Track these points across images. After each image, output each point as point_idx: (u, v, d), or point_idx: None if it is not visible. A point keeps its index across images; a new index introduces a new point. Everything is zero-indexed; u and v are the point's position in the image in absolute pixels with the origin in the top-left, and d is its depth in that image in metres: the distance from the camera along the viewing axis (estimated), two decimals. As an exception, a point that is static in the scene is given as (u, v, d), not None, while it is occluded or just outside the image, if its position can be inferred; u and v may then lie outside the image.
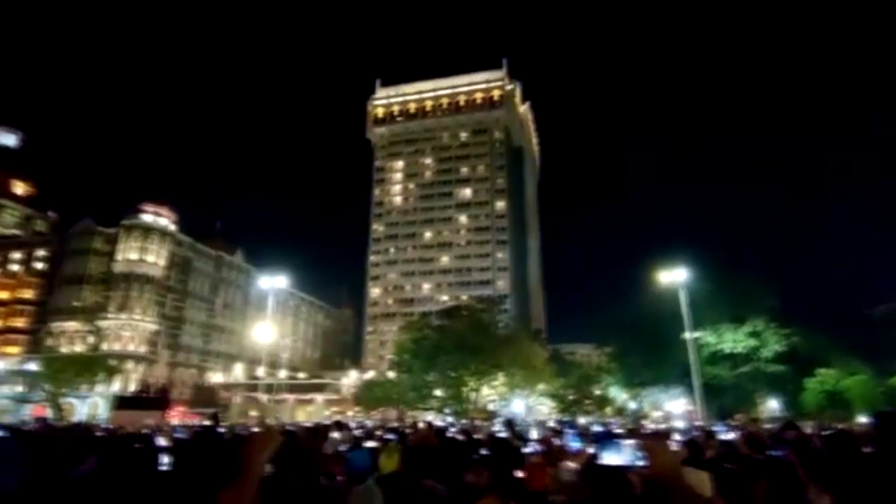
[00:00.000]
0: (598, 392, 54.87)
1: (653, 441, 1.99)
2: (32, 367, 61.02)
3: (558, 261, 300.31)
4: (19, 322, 74.24)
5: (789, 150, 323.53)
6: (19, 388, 65.82)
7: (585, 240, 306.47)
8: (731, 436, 11.92)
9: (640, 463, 2.05)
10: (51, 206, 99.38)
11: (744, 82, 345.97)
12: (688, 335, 31.58)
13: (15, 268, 77.31)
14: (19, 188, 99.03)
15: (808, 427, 16.14)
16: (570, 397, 55.95)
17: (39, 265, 76.96)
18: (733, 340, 38.36)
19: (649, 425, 25.87)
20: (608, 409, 51.99)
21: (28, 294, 75.42)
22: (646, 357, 42.48)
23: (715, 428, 20.64)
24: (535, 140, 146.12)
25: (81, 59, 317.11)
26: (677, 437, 12.92)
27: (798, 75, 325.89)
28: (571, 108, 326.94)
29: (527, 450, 4.51)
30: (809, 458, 4.60)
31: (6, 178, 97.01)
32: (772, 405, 42.01)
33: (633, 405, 51.52)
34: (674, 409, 46.95)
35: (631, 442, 2.11)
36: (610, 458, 2.17)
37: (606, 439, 2.28)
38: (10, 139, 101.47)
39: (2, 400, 67.36)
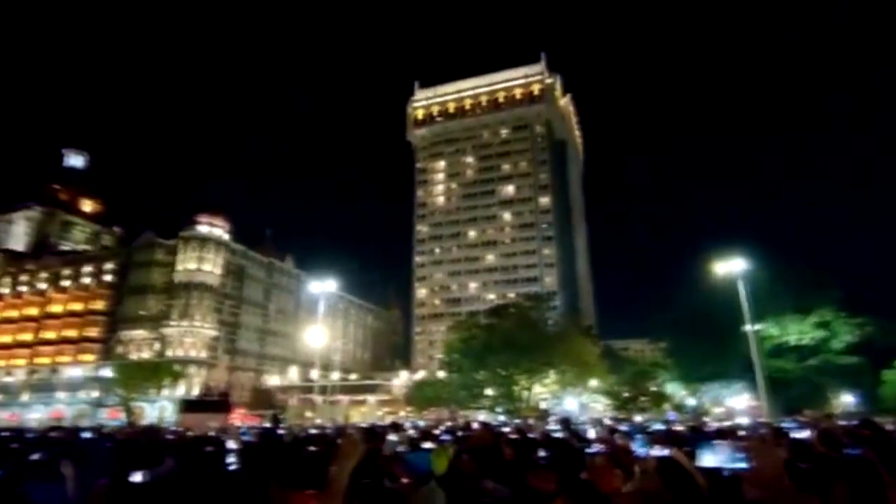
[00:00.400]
0: (653, 388, 53.31)
1: (756, 441, 1.92)
2: (106, 373, 65.05)
3: (607, 255, 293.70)
4: (93, 332, 79.20)
5: (835, 146, 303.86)
6: (95, 394, 70.26)
7: (634, 232, 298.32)
8: (804, 434, 11.22)
9: (740, 465, 1.98)
10: (116, 221, 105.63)
11: (792, 73, 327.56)
12: (749, 327, 30.20)
13: (87, 281, 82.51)
14: (88, 206, 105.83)
15: (888, 423, 15.11)
16: (625, 394, 54.60)
17: (108, 277, 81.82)
18: (799, 332, 36.45)
19: (712, 423, 24.88)
20: (666, 406, 50.37)
21: (99, 305, 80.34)
22: (704, 351, 40.94)
23: (783, 424, 19.60)
24: (577, 133, 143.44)
25: (132, 77, 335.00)
26: (742, 435, 12.39)
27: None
28: (615, 98, 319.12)
29: (589, 450, 4.43)
30: (890, 457, 4.32)
31: (77, 198, 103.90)
32: (845, 400, 39.57)
33: (691, 401, 49.76)
34: (736, 404, 45.01)
35: (726, 442, 2.04)
36: (707, 459, 2.09)
37: (702, 440, 2.21)
38: (79, 161, 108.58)
39: (81, 405, 72.15)
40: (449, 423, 28.15)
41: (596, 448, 4.49)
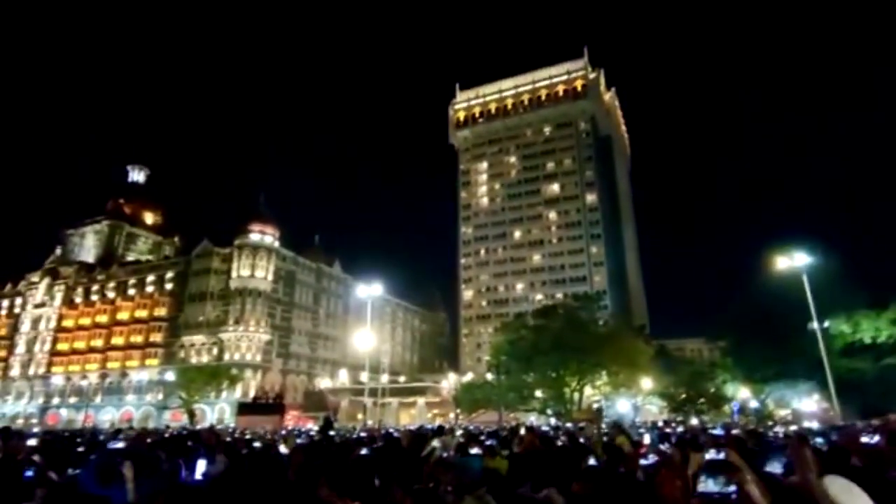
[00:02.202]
0: (712, 390, 51.02)
1: (797, 445, 1.64)
2: (169, 376, 68.26)
3: (658, 252, 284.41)
4: (157, 337, 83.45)
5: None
6: (160, 396, 73.89)
7: (687, 228, 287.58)
8: (875, 439, 10.27)
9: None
10: (174, 231, 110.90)
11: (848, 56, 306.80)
12: (815, 325, 28.38)
13: (150, 289, 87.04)
14: (149, 218, 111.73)
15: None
16: (682, 396, 52.52)
17: (169, 286, 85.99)
18: (875, 329, 33.93)
19: (778, 428, 23.46)
20: (726, 409, 48.07)
21: (162, 312, 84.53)
22: (767, 350, 38.83)
23: (839, 423, 18.20)
24: (623, 128, 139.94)
25: (181, 88, 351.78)
26: (819, 440, 11.51)
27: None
28: (661, 88, 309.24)
29: (644, 462, 4.14)
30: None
31: (139, 210, 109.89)
32: None
33: (754, 404, 47.30)
34: (804, 406, 42.48)
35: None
36: (774, 466, 1.80)
37: (769, 448, 1.88)
38: (140, 175, 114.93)
39: (147, 406, 76.10)
40: (494, 426, 27.82)
41: (654, 458, 4.20)
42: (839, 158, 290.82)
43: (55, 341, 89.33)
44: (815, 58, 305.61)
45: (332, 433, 18.59)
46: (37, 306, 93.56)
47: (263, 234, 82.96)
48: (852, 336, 34.75)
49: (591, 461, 6.09)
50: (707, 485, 2.15)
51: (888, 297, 33.50)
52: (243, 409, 58.12)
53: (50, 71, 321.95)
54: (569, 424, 31.36)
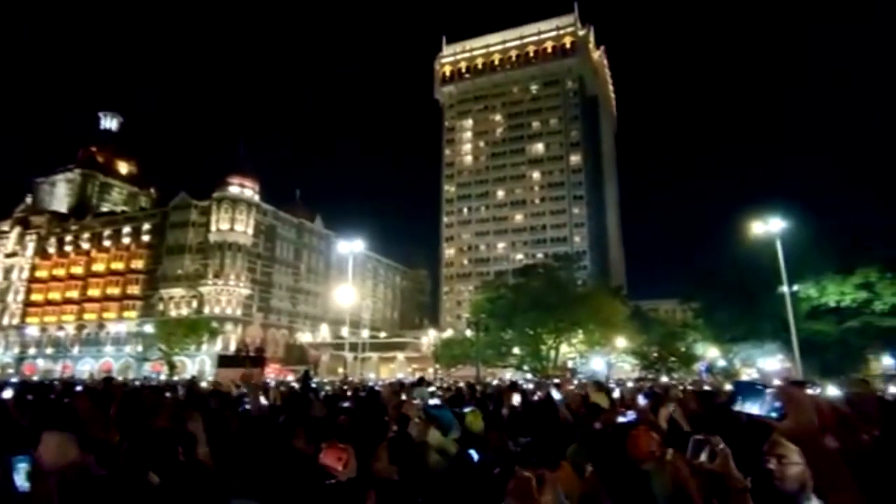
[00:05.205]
0: (683, 349, 52.85)
1: (793, 389, 1.68)
2: (148, 329, 68.00)
3: (638, 213, 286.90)
4: (134, 289, 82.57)
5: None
6: (139, 348, 73.82)
7: (668, 191, 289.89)
8: (817, 391, 11.02)
9: (774, 415, 1.73)
10: (150, 182, 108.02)
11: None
12: (784, 288, 29.28)
13: (126, 241, 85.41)
14: (124, 168, 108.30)
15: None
16: (654, 354, 54.33)
17: (146, 237, 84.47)
18: (839, 293, 35.09)
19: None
20: (695, 367, 49.95)
21: (139, 264, 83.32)
22: (736, 311, 40.08)
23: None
24: (610, 87, 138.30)
25: (159, 37, 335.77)
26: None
27: None
28: (650, 50, 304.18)
29: (622, 419, 4.30)
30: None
31: (113, 160, 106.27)
32: (887, 363, 38.26)
33: (722, 362, 49.20)
34: (768, 366, 44.31)
35: (770, 390, 1.77)
36: (749, 406, 1.81)
37: (747, 387, 1.89)
38: (113, 123, 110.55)
39: (126, 358, 76.07)
40: (472, 381, 28.50)
41: (631, 416, 4.35)
42: (825, 128, 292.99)
43: (29, 291, 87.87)
44: (816, 19, 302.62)
45: (312, 386, 18.85)
46: (8, 256, 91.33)
47: (243, 188, 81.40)
48: (818, 300, 35.90)
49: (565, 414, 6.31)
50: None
51: (855, 261, 34.47)
52: (224, 361, 58.41)
53: (19, 13, 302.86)
54: (543, 379, 32.27)
